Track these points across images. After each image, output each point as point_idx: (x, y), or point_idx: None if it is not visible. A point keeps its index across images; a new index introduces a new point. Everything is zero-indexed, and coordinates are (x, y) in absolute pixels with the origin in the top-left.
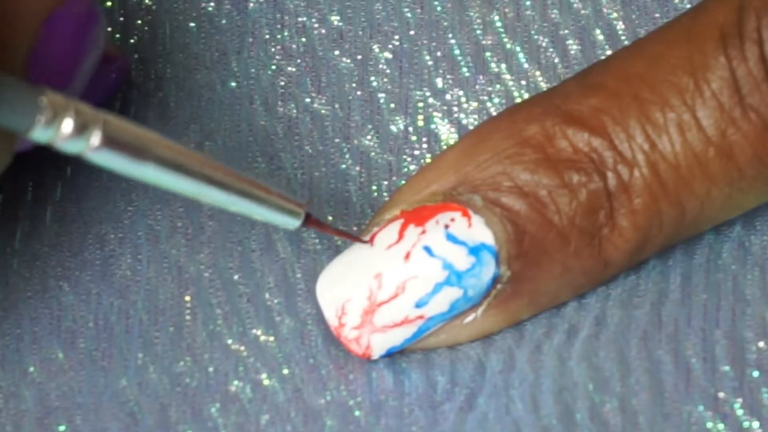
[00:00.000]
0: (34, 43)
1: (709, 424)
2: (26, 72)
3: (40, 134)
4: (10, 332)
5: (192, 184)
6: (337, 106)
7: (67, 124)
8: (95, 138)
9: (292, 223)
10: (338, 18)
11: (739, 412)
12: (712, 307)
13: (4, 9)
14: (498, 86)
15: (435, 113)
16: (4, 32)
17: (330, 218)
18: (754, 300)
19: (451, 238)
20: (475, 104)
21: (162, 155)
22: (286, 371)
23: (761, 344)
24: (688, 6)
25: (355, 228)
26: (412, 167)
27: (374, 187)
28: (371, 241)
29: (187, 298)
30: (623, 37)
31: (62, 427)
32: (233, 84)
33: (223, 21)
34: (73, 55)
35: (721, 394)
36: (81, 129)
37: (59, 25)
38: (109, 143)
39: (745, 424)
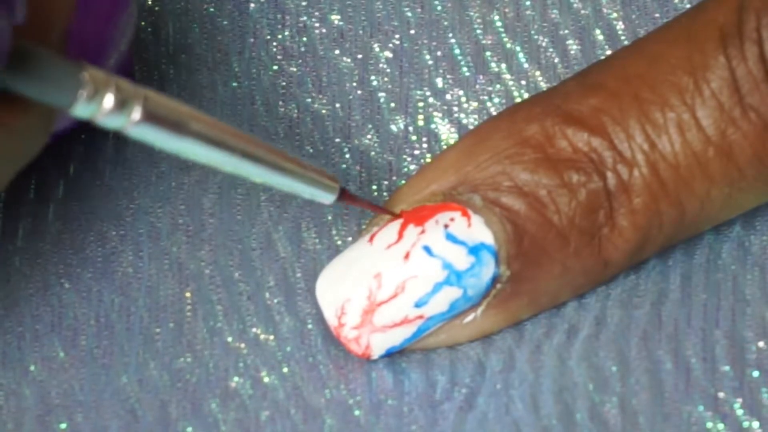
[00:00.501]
0: (71, 18)
1: (709, 424)
2: (65, 47)
3: (81, 110)
4: (11, 330)
5: (230, 158)
6: (337, 105)
7: (109, 99)
8: (136, 113)
9: (328, 197)
10: (339, 17)
11: (739, 412)
12: (712, 307)
13: None
14: (498, 86)
15: (435, 113)
16: (41, 9)
17: (330, 218)
18: (754, 300)
19: (451, 237)
20: (475, 104)
21: (201, 130)
22: (285, 370)
23: (761, 344)
24: (688, 6)
25: (355, 228)
26: (412, 167)
27: (374, 187)
28: (371, 240)
29: (188, 294)
30: (623, 37)
31: (63, 425)
32: (235, 84)
33: (225, 21)
34: (110, 29)
35: (721, 394)
36: (122, 104)
37: (92, 5)
38: (149, 118)
39: (745, 424)
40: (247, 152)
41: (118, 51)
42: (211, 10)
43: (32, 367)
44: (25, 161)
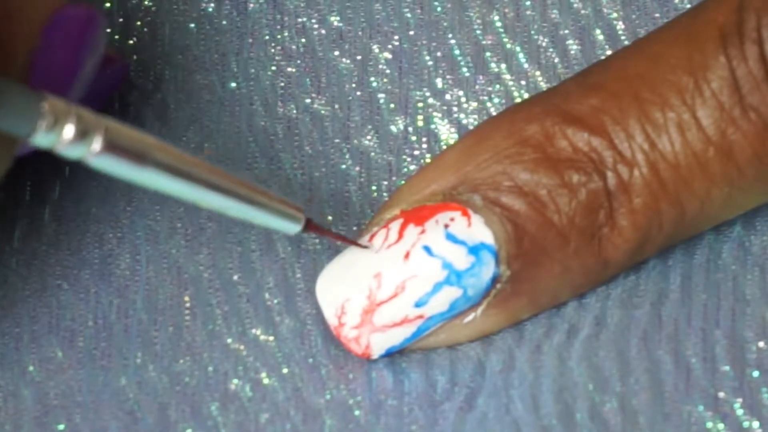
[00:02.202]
0: (35, 48)
1: (709, 424)
2: (27, 77)
3: (41, 139)
4: (9, 331)
5: (193, 189)
6: (336, 106)
7: (69, 130)
8: (96, 143)
9: (293, 228)
10: (338, 18)
11: (739, 411)
12: (712, 307)
13: (5, 13)
14: (498, 86)
15: (435, 113)
16: (4, 37)
17: (330, 218)
18: (754, 300)
19: (451, 237)
20: (475, 104)
21: (163, 160)
22: (285, 370)
23: (761, 344)
24: (688, 6)
25: (355, 228)
26: (412, 167)
27: (374, 187)
28: (371, 240)
29: (187, 297)
30: (623, 37)
31: (61, 426)
32: (233, 85)
33: (223, 22)
34: (74, 59)
35: (721, 394)
36: (82, 134)
37: (59, 30)
38: (110, 148)
39: (745, 424)
40: (210, 183)
41: (90, 66)
42: (209, 10)
43: (30, 368)
44: None
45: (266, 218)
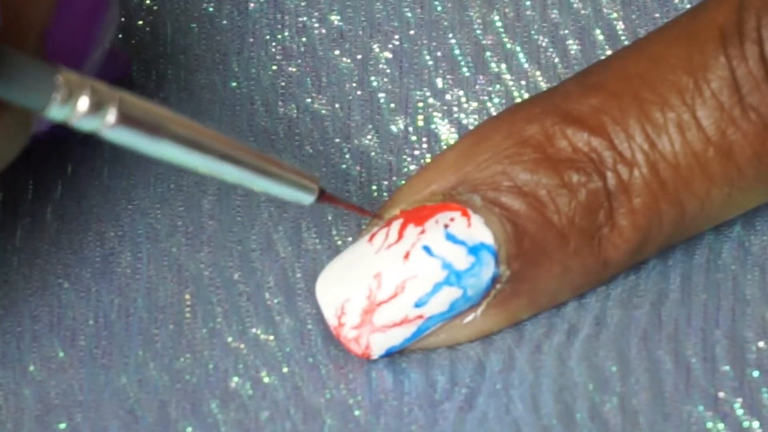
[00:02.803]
0: (48, 24)
1: (709, 424)
2: (41, 52)
3: (56, 112)
4: (10, 330)
5: (206, 160)
6: (337, 106)
7: (83, 102)
8: (111, 115)
9: (306, 198)
10: (338, 18)
11: (739, 411)
12: (712, 307)
13: None
14: (498, 86)
15: (435, 113)
16: (19, 11)
17: (330, 218)
18: (754, 300)
19: (451, 237)
20: (475, 104)
21: (177, 132)
22: (285, 370)
23: (761, 344)
24: (688, 6)
25: (355, 228)
26: (412, 167)
27: (374, 187)
28: (371, 240)
29: (187, 296)
30: (623, 37)
31: (63, 425)
32: (234, 84)
33: (224, 21)
34: (86, 37)
35: (721, 394)
36: (97, 107)
37: (72, 8)
38: (124, 120)
39: (745, 423)
40: (224, 154)
41: (101, 49)
42: (210, 9)
43: (31, 367)
44: (4, 164)
45: (280, 189)
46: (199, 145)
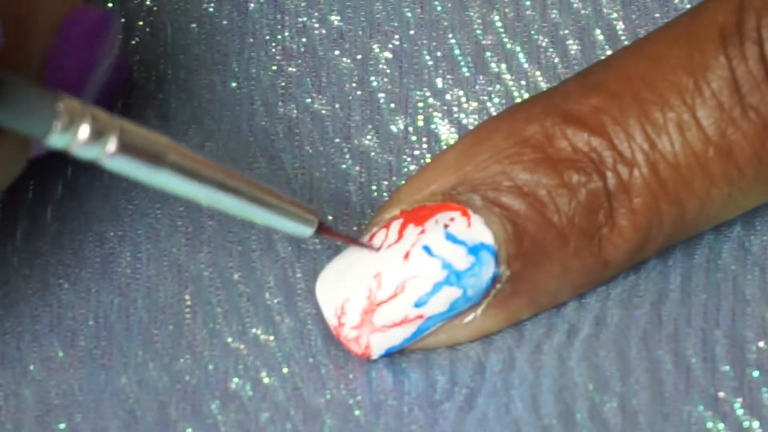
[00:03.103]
0: (49, 49)
1: (709, 424)
2: (42, 77)
3: (56, 140)
4: (10, 330)
5: (206, 191)
6: (337, 106)
7: (84, 130)
8: (111, 144)
9: (305, 231)
10: (338, 18)
11: (739, 411)
12: (712, 307)
13: (19, 14)
14: (498, 86)
15: (435, 113)
16: (20, 37)
17: (330, 218)
18: (754, 300)
19: (451, 237)
20: (475, 104)
21: (177, 162)
22: (285, 370)
23: (761, 344)
24: (688, 6)
25: (355, 228)
26: (412, 167)
27: (374, 187)
28: (371, 240)
29: (187, 296)
30: (623, 37)
31: (62, 425)
32: (234, 84)
33: (224, 22)
34: (88, 59)
35: (721, 394)
36: (97, 135)
37: (73, 31)
38: (124, 149)
39: (745, 423)
40: (223, 185)
41: (107, 61)
42: (210, 10)
43: (31, 368)
44: (2, 187)
45: (279, 221)
46: (199, 175)
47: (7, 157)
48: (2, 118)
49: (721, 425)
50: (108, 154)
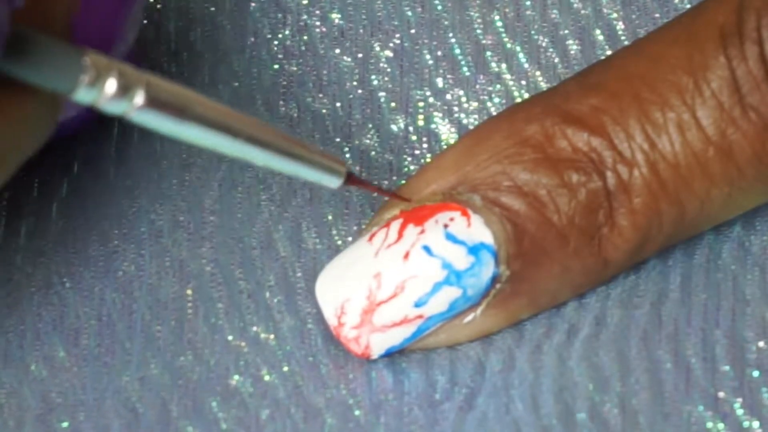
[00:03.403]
0: (74, 11)
1: (709, 424)
2: (68, 39)
3: (83, 95)
4: (12, 328)
5: (233, 142)
6: (338, 105)
7: (111, 85)
8: (139, 98)
9: (334, 181)
10: (339, 16)
11: (739, 411)
12: (712, 306)
13: None
14: (498, 86)
15: (435, 113)
16: (41, 2)
17: (330, 218)
18: (754, 300)
19: (451, 237)
20: (475, 104)
21: (204, 114)
22: (286, 369)
23: (761, 344)
24: (688, 6)
25: (354, 228)
26: (412, 167)
27: None
28: (370, 240)
29: (189, 292)
30: (623, 37)
31: (65, 424)
32: (236, 83)
33: (225, 21)
34: (111, 30)
35: (721, 394)
36: (124, 89)
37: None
38: (152, 103)
39: (745, 423)
40: (251, 136)
41: (125, 45)
42: (212, 9)
43: (33, 366)
44: (30, 151)
45: (307, 171)
46: (226, 127)
47: (36, 116)
48: (28, 74)
49: (721, 425)
50: (135, 108)
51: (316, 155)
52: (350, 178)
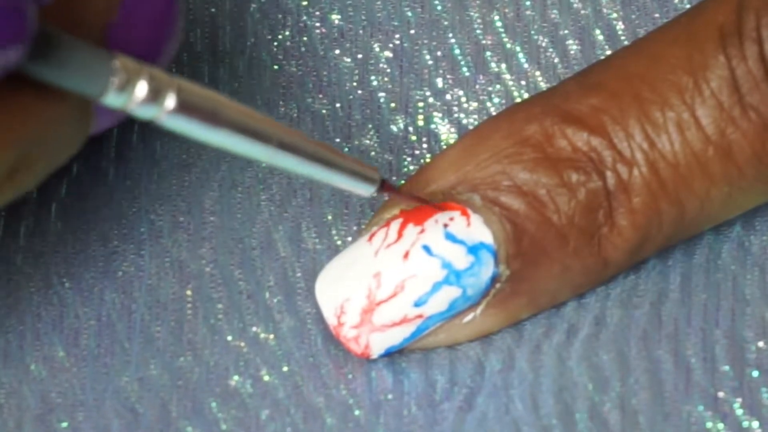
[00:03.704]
0: (109, 25)
1: (709, 424)
2: (102, 46)
3: (113, 99)
4: (12, 329)
5: (265, 149)
6: (337, 105)
7: (141, 88)
8: (170, 102)
9: (367, 189)
10: (339, 17)
11: (739, 411)
12: (711, 306)
13: None
14: (498, 86)
15: (435, 113)
16: (74, 7)
17: (330, 218)
18: (753, 300)
19: (450, 237)
20: (475, 104)
21: (236, 120)
22: (285, 369)
23: (761, 344)
24: (688, 6)
25: (354, 228)
26: (412, 167)
27: None
28: (370, 240)
29: (189, 293)
30: (623, 37)
31: (64, 424)
32: (236, 84)
33: (225, 21)
34: (155, 37)
35: (721, 394)
36: (155, 93)
37: (137, 10)
38: (183, 108)
39: (745, 423)
40: (283, 143)
41: (170, 46)
42: (212, 10)
43: (33, 366)
44: (61, 159)
45: (341, 179)
46: (257, 133)
47: (66, 121)
48: (57, 75)
49: (720, 425)
50: (166, 112)
51: (349, 163)
52: (384, 186)
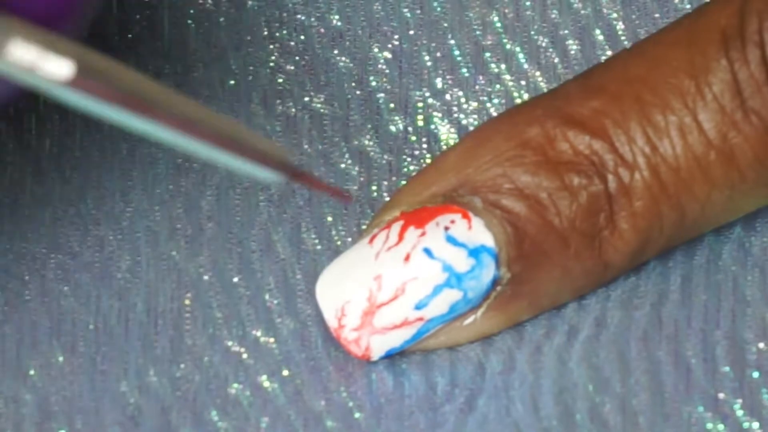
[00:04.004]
0: None
1: (709, 425)
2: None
3: None
4: (10, 336)
5: (164, 129)
6: (336, 105)
7: (18, 48)
8: (62, 69)
9: (275, 177)
10: (337, 17)
11: (739, 413)
12: (712, 308)
13: None
14: (498, 86)
15: (435, 113)
16: None
17: (330, 219)
18: (754, 301)
19: (451, 239)
20: (474, 104)
21: (134, 92)
22: (286, 373)
23: (761, 345)
24: (688, 6)
25: (355, 229)
26: (411, 168)
27: (374, 187)
28: (371, 242)
29: (187, 301)
30: (623, 38)
31: (63, 431)
32: (232, 82)
33: (222, 18)
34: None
35: (721, 395)
36: (41, 58)
37: None
38: (79, 78)
39: (745, 425)
40: (184, 123)
41: (78, 26)
42: (208, 6)
43: (31, 373)
44: None
45: (245, 166)
46: (156, 110)
47: None
48: None
49: (721, 426)
50: (59, 81)
51: (258, 145)
52: (295, 174)
